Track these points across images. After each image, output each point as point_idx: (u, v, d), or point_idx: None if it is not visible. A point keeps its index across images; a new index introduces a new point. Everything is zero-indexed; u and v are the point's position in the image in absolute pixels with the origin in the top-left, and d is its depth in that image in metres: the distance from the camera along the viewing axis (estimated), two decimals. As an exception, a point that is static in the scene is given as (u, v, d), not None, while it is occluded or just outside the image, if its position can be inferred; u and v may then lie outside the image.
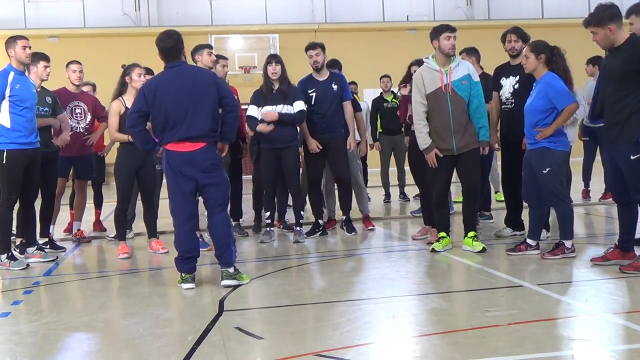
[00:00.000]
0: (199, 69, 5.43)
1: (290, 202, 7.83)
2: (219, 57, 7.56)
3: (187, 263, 5.21)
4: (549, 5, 21.25)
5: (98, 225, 8.47)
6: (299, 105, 6.98)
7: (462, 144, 6.12)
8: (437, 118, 6.13)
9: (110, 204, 9.46)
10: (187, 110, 5.08)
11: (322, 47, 7.33)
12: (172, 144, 5.14)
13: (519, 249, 5.90)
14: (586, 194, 9.50)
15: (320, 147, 7.22)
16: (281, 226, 7.90)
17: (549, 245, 5.96)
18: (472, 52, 7.60)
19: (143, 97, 5.19)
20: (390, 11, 21.25)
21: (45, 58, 6.75)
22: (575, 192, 6.36)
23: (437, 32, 6.13)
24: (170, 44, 5.21)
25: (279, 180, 7.36)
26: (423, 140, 6.18)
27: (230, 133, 5.36)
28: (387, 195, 10.57)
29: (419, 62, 7.31)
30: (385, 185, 10.51)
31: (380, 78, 10.36)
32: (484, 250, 6.05)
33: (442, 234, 6.28)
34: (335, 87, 7.28)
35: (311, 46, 7.35)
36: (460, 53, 7.60)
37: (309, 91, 7.24)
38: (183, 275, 5.21)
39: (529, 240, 5.90)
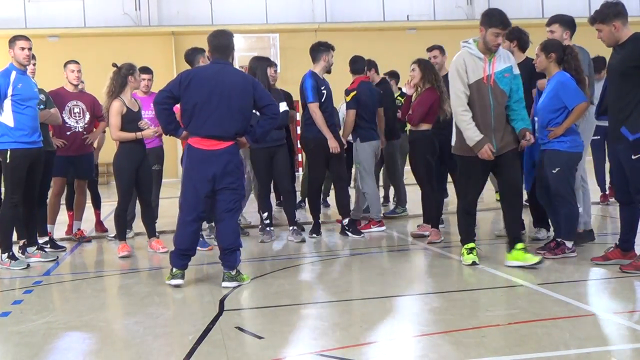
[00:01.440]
0: (241, 73, 5.37)
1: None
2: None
3: (181, 259, 5.21)
4: (549, 5, 21.24)
5: (99, 226, 8.46)
6: (283, 106, 7.05)
7: (503, 144, 5.46)
8: (478, 113, 5.41)
9: (110, 204, 9.46)
10: (217, 108, 5.06)
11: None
12: (197, 139, 5.13)
13: (555, 252, 5.65)
14: (605, 197, 9.05)
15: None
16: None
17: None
18: (444, 51, 7.50)
19: (179, 81, 5.19)
20: (390, 11, 21.25)
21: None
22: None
23: (488, 23, 5.36)
24: (225, 41, 5.28)
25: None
26: (473, 133, 5.34)
27: (261, 136, 5.35)
28: (385, 198, 10.26)
29: (417, 60, 7.03)
30: (386, 187, 10.27)
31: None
32: (540, 262, 5.32)
33: (471, 244, 5.62)
34: (330, 87, 7.38)
35: (334, 48, 7.31)
36: (430, 50, 7.57)
37: (322, 88, 7.21)
38: (174, 270, 5.21)
39: (567, 243, 5.67)
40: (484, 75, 5.41)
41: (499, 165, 5.52)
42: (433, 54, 7.46)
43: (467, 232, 5.69)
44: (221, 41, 5.27)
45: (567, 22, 6.10)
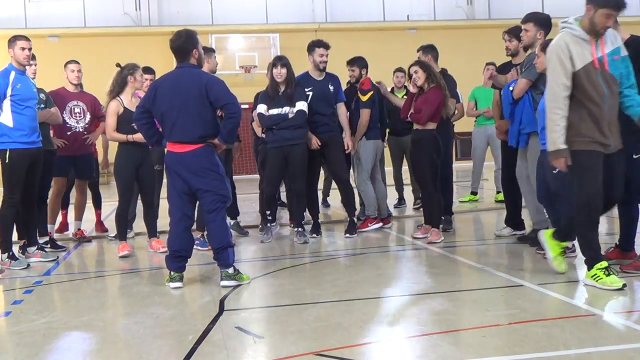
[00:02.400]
0: (198, 75, 5.25)
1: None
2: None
3: (176, 262, 5.24)
4: (549, 5, 21.24)
5: (99, 226, 8.46)
6: (299, 106, 6.99)
7: (617, 141, 4.71)
8: (591, 104, 4.58)
9: (111, 204, 9.47)
10: (179, 115, 5.13)
11: (329, 48, 7.33)
12: (170, 143, 5.26)
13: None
14: None
15: (320, 144, 7.21)
16: (291, 224, 7.86)
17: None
18: (428, 50, 7.50)
19: (148, 94, 5.33)
20: (390, 11, 21.26)
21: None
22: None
23: (599, 1, 4.52)
24: (177, 44, 5.26)
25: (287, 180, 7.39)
26: (559, 138, 4.57)
27: (229, 137, 5.34)
28: (400, 200, 9.92)
29: (417, 62, 6.99)
30: (399, 190, 9.94)
31: (394, 72, 9.38)
32: (624, 287, 4.50)
33: (604, 262, 4.62)
34: (331, 87, 7.31)
35: (325, 45, 7.29)
36: (418, 51, 7.60)
37: (307, 89, 7.20)
38: (172, 273, 5.24)
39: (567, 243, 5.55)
40: (594, 58, 4.60)
41: (607, 166, 4.69)
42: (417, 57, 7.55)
43: (596, 248, 4.70)
44: (173, 44, 5.27)
45: (542, 21, 6.10)
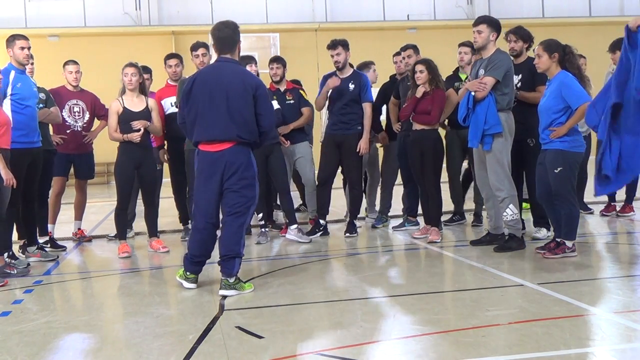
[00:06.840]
0: (243, 70, 5.04)
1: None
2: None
3: (194, 265, 5.12)
4: (549, 5, 21.23)
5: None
6: (273, 105, 7.04)
7: None
8: None
9: (111, 203, 9.46)
10: (219, 111, 4.83)
11: (343, 45, 7.24)
12: (203, 144, 4.96)
13: (555, 252, 5.65)
14: (608, 208, 8.07)
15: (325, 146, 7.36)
16: (270, 226, 7.83)
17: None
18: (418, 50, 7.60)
19: (184, 88, 5.02)
20: (390, 10, 21.25)
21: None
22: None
23: None
24: (224, 33, 4.95)
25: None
26: None
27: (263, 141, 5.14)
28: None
29: (425, 62, 6.92)
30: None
31: (394, 56, 8.26)
32: None
33: None
34: (352, 86, 7.23)
35: (330, 46, 7.30)
36: (405, 50, 7.74)
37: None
38: (187, 273, 5.13)
39: (567, 243, 5.65)
40: None
41: None
42: (407, 54, 7.56)
43: None
44: (224, 33, 4.95)
45: (494, 24, 6.15)
